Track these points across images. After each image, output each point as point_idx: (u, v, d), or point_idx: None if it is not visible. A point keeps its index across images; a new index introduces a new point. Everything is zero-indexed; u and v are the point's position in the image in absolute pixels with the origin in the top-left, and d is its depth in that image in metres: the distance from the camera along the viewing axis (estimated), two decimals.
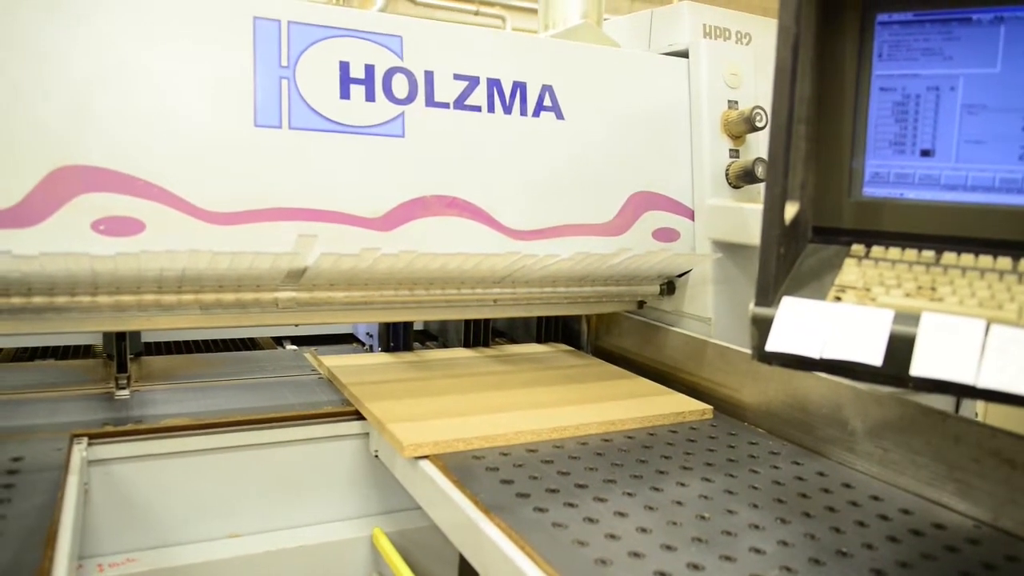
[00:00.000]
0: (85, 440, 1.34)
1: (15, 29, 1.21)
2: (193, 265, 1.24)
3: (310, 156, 1.39)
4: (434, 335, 2.23)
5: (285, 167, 1.37)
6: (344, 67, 1.42)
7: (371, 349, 2.08)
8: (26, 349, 2.01)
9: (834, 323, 0.95)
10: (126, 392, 1.59)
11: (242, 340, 2.21)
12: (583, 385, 1.68)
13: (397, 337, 1.93)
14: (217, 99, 1.33)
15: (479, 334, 1.99)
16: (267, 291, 1.40)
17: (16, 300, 1.27)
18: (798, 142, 1.03)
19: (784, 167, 0.99)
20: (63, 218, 1.23)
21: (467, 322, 1.96)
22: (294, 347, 2.10)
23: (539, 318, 2.07)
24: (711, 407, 1.57)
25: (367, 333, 2.12)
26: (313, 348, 2.04)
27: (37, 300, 1.29)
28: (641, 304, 1.86)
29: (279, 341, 2.19)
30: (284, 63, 1.37)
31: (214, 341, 2.16)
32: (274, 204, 1.36)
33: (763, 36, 2.02)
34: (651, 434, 1.46)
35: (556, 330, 2.11)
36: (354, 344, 2.24)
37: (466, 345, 2.00)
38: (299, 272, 1.37)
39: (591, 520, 1.09)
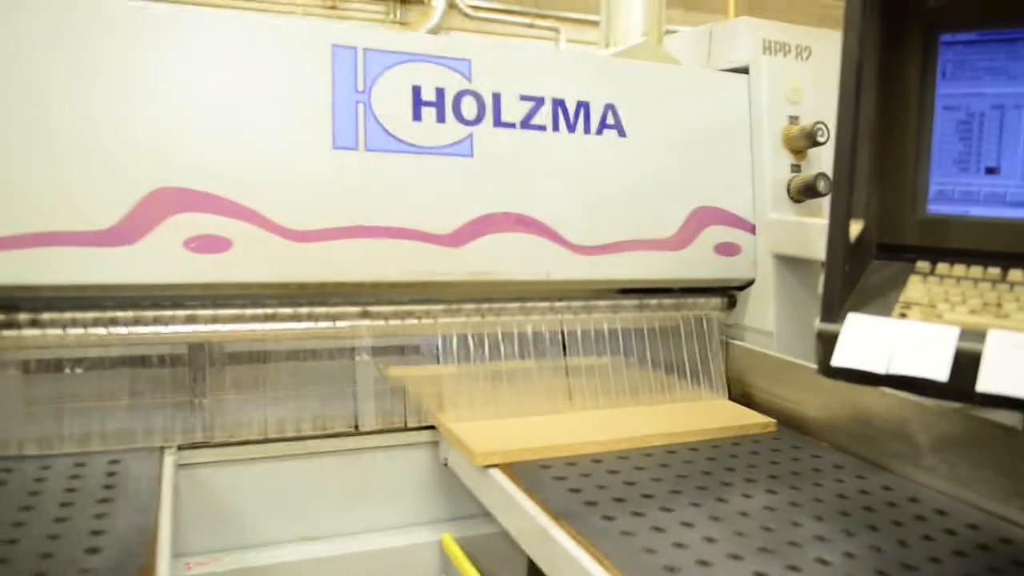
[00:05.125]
0: (175, 447, 1.43)
1: (113, 63, 1.30)
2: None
3: (384, 176, 1.45)
4: (496, 345, 2.28)
5: (361, 187, 1.44)
6: (416, 91, 1.48)
7: (439, 360, 2.13)
8: (103, 358, 2.10)
9: (899, 339, 0.97)
10: (207, 400, 1.67)
11: (313, 351, 2.28)
12: (647, 396, 1.71)
13: (465, 348, 1.98)
14: (298, 123, 1.40)
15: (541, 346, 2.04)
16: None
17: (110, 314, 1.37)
18: (862, 161, 1.06)
19: (849, 187, 1.02)
20: (158, 237, 1.31)
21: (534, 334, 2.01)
22: (367, 358, 2.16)
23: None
24: (774, 420, 1.59)
25: (436, 345, 2.18)
26: (384, 358, 2.10)
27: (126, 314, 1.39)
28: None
29: (348, 351, 2.25)
30: (360, 88, 1.44)
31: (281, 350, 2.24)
32: (351, 222, 1.43)
33: (823, 48, 2.02)
34: (715, 447, 1.48)
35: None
36: (422, 354, 2.29)
37: (527, 356, 2.05)
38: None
39: (658, 529, 1.12)
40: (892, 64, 1.08)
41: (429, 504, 1.61)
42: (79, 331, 1.34)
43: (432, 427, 1.60)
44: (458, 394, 1.59)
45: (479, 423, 1.51)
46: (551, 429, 1.48)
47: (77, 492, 1.20)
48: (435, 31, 6.70)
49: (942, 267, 1.07)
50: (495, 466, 1.35)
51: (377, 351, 2.18)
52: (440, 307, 1.57)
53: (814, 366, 1.52)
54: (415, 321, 1.57)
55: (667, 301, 1.75)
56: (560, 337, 1.70)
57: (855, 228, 1.07)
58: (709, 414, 1.61)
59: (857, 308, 1.04)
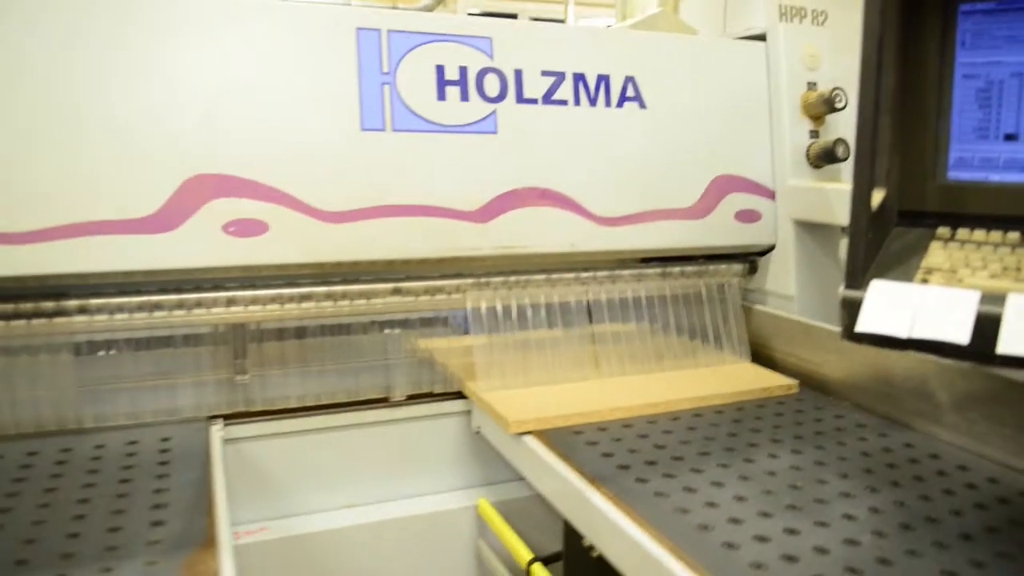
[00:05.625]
0: (221, 421, 1.49)
1: (147, 54, 1.34)
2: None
3: (412, 155, 1.49)
4: (524, 316, 2.33)
5: (390, 167, 1.47)
6: (440, 70, 1.51)
7: (466, 331, 2.19)
8: (148, 339, 2.17)
9: (922, 304, 1.01)
10: (246, 377, 1.72)
11: (348, 325, 2.34)
12: (672, 361, 1.76)
13: (494, 320, 2.03)
14: (327, 107, 1.44)
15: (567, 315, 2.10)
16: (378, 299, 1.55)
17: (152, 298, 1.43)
18: (883, 131, 1.09)
19: (871, 157, 1.05)
20: (197, 222, 1.35)
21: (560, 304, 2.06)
22: (395, 330, 2.22)
23: None
24: (797, 382, 1.63)
25: (463, 317, 2.23)
26: (411, 331, 2.16)
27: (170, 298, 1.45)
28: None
29: (378, 325, 2.31)
30: (385, 70, 1.47)
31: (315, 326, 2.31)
32: (381, 202, 1.47)
33: (840, 12, 2.03)
34: (739, 409, 1.53)
35: None
36: (448, 326, 2.35)
37: (555, 326, 2.11)
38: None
39: (690, 489, 1.18)
40: (912, 34, 1.11)
41: (464, 471, 1.68)
42: (125, 316, 1.39)
43: (464, 397, 1.65)
44: (489, 364, 1.64)
45: (510, 391, 1.56)
46: (580, 396, 1.54)
47: (133, 468, 1.27)
48: None
49: (962, 232, 1.10)
50: (529, 433, 1.40)
51: (408, 324, 2.24)
52: (469, 281, 1.62)
53: (835, 328, 1.57)
54: (445, 296, 1.61)
55: (689, 268, 1.78)
56: (586, 306, 1.74)
57: (877, 196, 1.11)
58: (733, 377, 1.66)
59: (880, 274, 1.07)
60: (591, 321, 1.74)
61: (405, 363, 1.80)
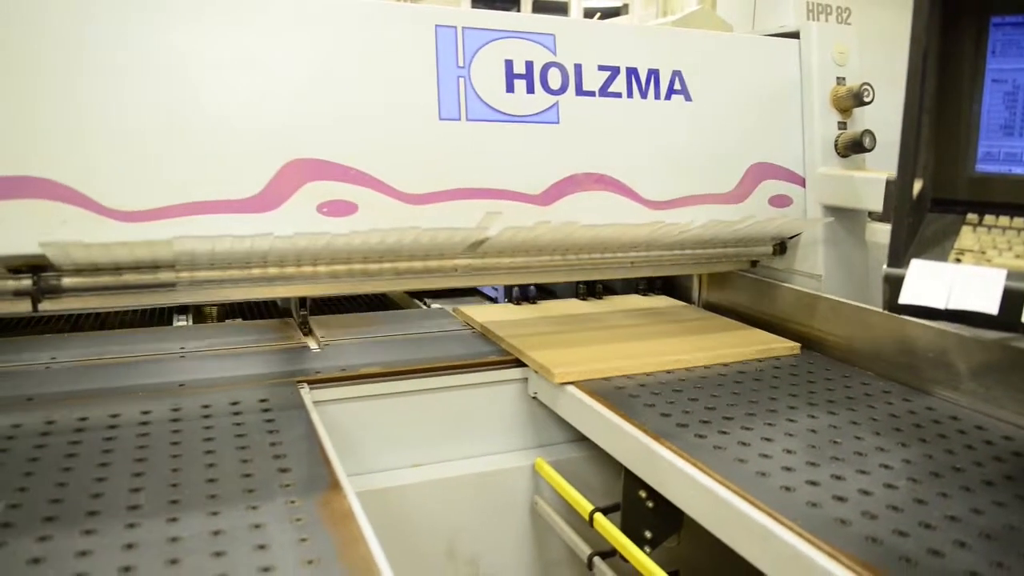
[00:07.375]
0: (306, 385, 1.63)
1: (253, 50, 1.47)
2: (400, 240, 1.50)
3: (483, 143, 1.63)
4: (549, 288, 2.49)
5: (464, 153, 1.62)
6: (508, 64, 1.65)
7: (496, 301, 2.35)
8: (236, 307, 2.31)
9: (956, 280, 1.16)
10: (317, 346, 1.87)
11: (378, 297, 2.50)
12: (711, 336, 1.91)
13: (520, 290, 2.20)
14: (409, 98, 1.58)
15: (592, 288, 2.29)
16: (448, 259, 1.66)
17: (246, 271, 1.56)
18: (923, 129, 1.24)
19: (915, 152, 1.20)
20: (295, 203, 1.49)
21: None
22: (437, 304, 2.37)
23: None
24: (799, 344, 1.82)
25: (493, 287, 2.40)
26: (448, 301, 2.31)
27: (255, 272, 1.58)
28: (754, 263, 2.07)
29: (418, 298, 2.47)
30: (461, 64, 1.61)
31: (357, 299, 2.46)
32: (456, 185, 1.61)
33: (862, 10, 2.18)
34: (760, 369, 1.71)
35: (658, 285, 2.39)
36: (477, 296, 2.51)
37: (579, 297, 2.29)
38: (479, 243, 1.62)
39: (744, 444, 1.33)
40: (950, 44, 1.25)
41: (520, 433, 1.82)
42: (228, 287, 1.53)
43: (520, 365, 1.79)
44: (536, 334, 1.79)
45: (565, 357, 1.70)
46: (618, 354, 1.70)
47: (244, 425, 1.41)
48: None
49: (989, 218, 1.26)
50: (575, 386, 1.58)
51: (433, 294, 2.41)
52: (530, 259, 1.76)
53: (861, 305, 1.72)
54: (506, 272, 1.75)
55: (725, 249, 1.94)
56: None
57: (915, 186, 1.26)
58: (742, 340, 1.85)
59: (918, 255, 1.23)
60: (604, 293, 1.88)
61: (458, 334, 1.95)
